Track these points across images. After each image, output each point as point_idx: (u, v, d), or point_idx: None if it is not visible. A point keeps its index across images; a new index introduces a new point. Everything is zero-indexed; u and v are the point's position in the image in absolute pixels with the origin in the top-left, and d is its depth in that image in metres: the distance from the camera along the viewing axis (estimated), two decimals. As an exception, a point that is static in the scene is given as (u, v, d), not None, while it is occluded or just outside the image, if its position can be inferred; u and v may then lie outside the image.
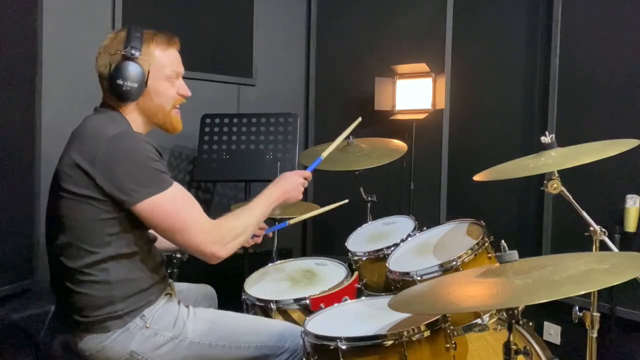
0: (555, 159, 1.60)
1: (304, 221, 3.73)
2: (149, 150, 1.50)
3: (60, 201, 1.52)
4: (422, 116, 3.14)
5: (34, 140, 2.63)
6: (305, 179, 1.87)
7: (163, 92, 1.63)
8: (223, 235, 1.57)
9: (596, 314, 1.60)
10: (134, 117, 1.63)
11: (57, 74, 2.77)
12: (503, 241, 1.34)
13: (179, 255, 2.63)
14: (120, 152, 1.48)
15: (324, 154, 2.08)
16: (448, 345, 1.52)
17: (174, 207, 1.51)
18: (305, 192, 3.89)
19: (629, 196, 2.38)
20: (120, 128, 1.54)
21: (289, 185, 1.82)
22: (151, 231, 1.63)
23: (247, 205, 1.72)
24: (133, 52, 1.56)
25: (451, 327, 1.56)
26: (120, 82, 1.55)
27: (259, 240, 2.00)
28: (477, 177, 1.73)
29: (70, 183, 1.50)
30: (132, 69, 1.55)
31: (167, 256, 1.88)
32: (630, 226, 2.37)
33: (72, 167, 1.50)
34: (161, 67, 1.62)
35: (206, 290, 2.05)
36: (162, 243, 1.72)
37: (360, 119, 2.19)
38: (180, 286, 1.88)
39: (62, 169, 1.52)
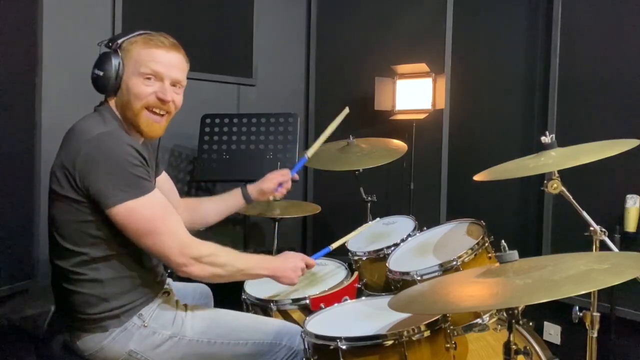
0: (555, 159, 1.60)
1: (304, 221, 3.75)
2: (129, 154, 1.48)
3: (50, 202, 1.55)
4: (422, 116, 3.14)
5: (34, 140, 2.63)
6: (307, 265, 1.82)
7: (133, 88, 1.56)
8: (202, 254, 1.55)
9: (596, 314, 1.60)
10: (117, 112, 1.62)
11: (57, 74, 2.76)
12: (503, 241, 1.34)
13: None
14: (100, 154, 1.46)
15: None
16: (448, 345, 1.52)
17: (150, 213, 1.49)
18: (305, 192, 3.92)
19: (629, 196, 2.38)
20: (105, 128, 1.52)
21: (289, 266, 1.76)
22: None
23: (239, 252, 1.70)
24: (110, 43, 1.57)
25: (451, 327, 1.56)
26: (96, 71, 1.57)
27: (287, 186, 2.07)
28: (477, 177, 1.73)
29: (56, 184, 1.51)
30: (105, 59, 1.56)
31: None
32: (630, 226, 2.37)
33: (58, 167, 1.51)
34: (135, 62, 1.56)
35: (202, 289, 2.05)
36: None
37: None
38: (176, 285, 1.88)
39: (52, 170, 1.54)
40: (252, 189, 2.03)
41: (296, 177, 2.11)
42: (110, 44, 1.57)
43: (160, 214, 1.51)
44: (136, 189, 1.47)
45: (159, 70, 1.58)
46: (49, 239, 1.60)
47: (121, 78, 1.57)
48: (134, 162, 1.48)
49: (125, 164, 1.47)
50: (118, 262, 1.55)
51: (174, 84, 1.61)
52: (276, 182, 2.04)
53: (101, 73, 1.56)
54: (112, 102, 1.61)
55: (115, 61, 1.56)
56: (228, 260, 1.61)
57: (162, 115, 1.62)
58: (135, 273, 1.58)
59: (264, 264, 1.73)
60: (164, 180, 1.93)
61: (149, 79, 1.58)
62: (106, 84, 1.56)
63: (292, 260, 1.77)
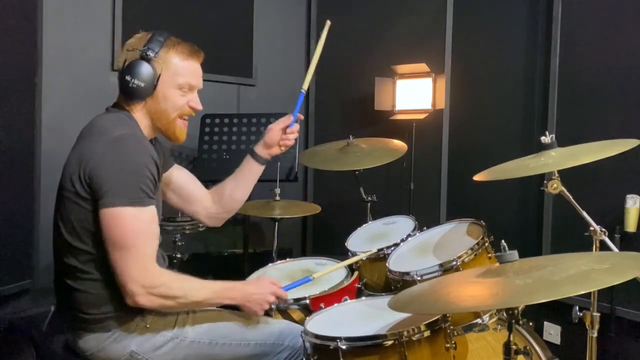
0: (555, 159, 1.60)
1: (304, 221, 3.75)
2: (144, 164, 1.48)
3: (62, 200, 1.54)
4: (422, 116, 3.14)
5: (34, 140, 2.63)
6: (277, 297, 1.70)
7: (171, 99, 1.61)
8: (155, 284, 1.49)
9: (596, 314, 1.60)
10: (141, 117, 1.62)
11: (57, 74, 2.77)
12: (503, 241, 1.34)
13: (179, 255, 2.65)
14: (116, 155, 1.47)
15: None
16: (448, 345, 1.52)
17: (129, 226, 1.46)
18: (305, 192, 3.92)
19: (629, 196, 2.38)
20: (126, 130, 1.54)
21: (256, 295, 1.66)
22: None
23: (203, 281, 1.62)
24: (149, 52, 1.56)
25: (451, 327, 1.56)
26: (128, 78, 1.55)
27: (293, 137, 1.91)
28: (477, 177, 1.73)
29: (68, 181, 1.51)
30: (143, 68, 1.56)
31: (167, 255, 1.87)
32: (630, 226, 2.36)
33: (72, 165, 1.51)
34: (175, 74, 1.60)
35: None
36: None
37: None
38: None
39: (66, 168, 1.53)
40: (258, 148, 1.89)
41: (301, 117, 1.93)
42: (147, 53, 1.56)
43: (141, 231, 1.48)
44: (133, 199, 1.46)
45: (194, 83, 1.66)
46: (54, 237, 1.60)
47: (156, 87, 1.59)
48: (145, 174, 1.48)
49: (136, 171, 1.47)
50: None
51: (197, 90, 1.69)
52: (278, 129, 1.88)
53: (142, 84, 1.56)
54: (136, 107, 1.61)
55: (155, 73, 1.57)
56: (182, 294, 1.53)
57: (187, 120, 1.69)
58: None
59: (227, 294, 1.63)
60: (180, 174, 1.91)
61: (184, 90, 1.63)
62: (142, 94, 1.58)
63: (260, 290, 1.67)
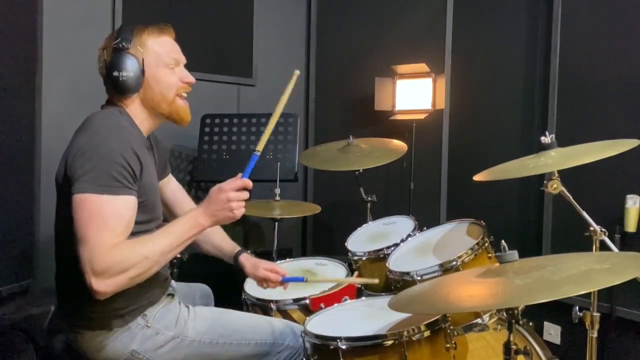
0: (555, 159, 1.60)
1: (304, 221, 3.75)
2: (119, 151, 1.45)
3: (59, 197, 1.54)
4: (422, 116, 3.14)
5: (34, 140, 2.63)
6: (237, 190, 1.53)
7: (163, 79, 1.61)
8: (109, 266, 1.38)
9: (596, 314, 1.60)
10: (137, 110, 1.62)
11: (57, 74, 2.77)
12: (503, 241, 1.34)
13: (179, 255, 2.64)
14: (92, 143, 1.46)
15: (259, 148, 1.68)
16: (448, 345, 1.52)
17: (90, 214, 1.39)
18: (305, 192, 3.92)
19: (629, 196, 2.38)
20: (110, 121, 1.53)
21: (214, 205, 1.52)
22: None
23: (158, 231, 1.51)
24: (123, 43, 1.56)
25: (451, 327, 1.56)
26: (115, 74, 1.55)
27: (273, 286, 1.87)
28: (477, 177, 1.73)
29: (61, 179, 1.51)
30: (125, 59, 1.55)
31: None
32: (630, 226, 2.36)
33: (62, 163, 1.52)
34: (156, 55, 1.60)
35: (202, 289, 2.05)
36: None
37: (297, 72, 1.83)
38: (177, 286, 1.88)
39: (59, 167, 1.54)
40: (247, 261, 1.88)
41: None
42: (122, 45, 1.56)
43: (100, 220, 1.40)
44: (101, 186, 1.41)
45: (177, 56, 1.65)
46: (56, 234, 1.59)
47: (144, 72, 1.58)
48: (118, 161, 1.44)
49: (107, 158, 1.44)
50: None
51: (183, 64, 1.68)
52: (263, 276, 1.85)
53: (130, 74, 1.55)
54: (132, 101, 1.61)
55: (138, 59, 1.57)
56: (137, 254, 1.41)
57: (186, 98, 1.67)
58: None
59: (185, 227, 1.50)
60: (175, 188, 1.93)
61: (172, 67, 1.62)
62: (133, 84, 1.57)
63: (215, 200, 1.52)
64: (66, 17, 2.81)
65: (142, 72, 1.58)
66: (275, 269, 1.86)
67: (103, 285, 1.38)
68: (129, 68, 1.55)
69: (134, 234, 1.48)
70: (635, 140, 1.57)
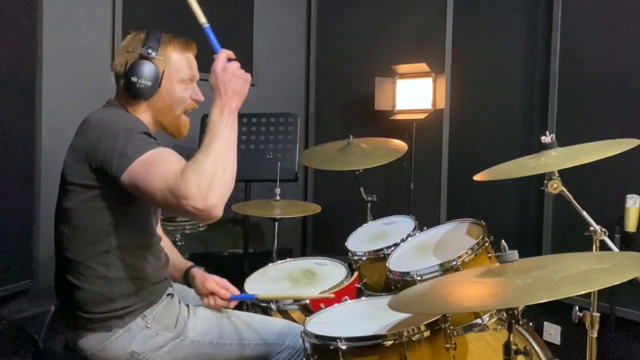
0: (555, 159, 1.60)
1: (304, 221, 3.75)
2: (130, 122, 1.50)
3: (65, 194, 1.53)
4: (422, 116, 3.14)
5: (34, 140, 2.64)
6: (230, 59, 1.55)
7: (176, 94, 1.63)
8: (196, 184, 1.32)
9: (596, 314, 1.60)
10: (141, 115, 1.62)
11: (57, 74, 2.77)
12: (503, 241, 1.34)
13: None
14: (104, 129, 1.47)
15: (203, 21, 1.66)
16: (448, 345, 1.52)
17: (148, 169, 1.38)
18: (305, 192, 3.92)
19: (629, 196, 2.38)
20: (118, 112, 1.56)
21: (228, 84, 1.52)
22: (158, 229, 1.62)
23: (206, 139, 1.45)
24: (150, 51, 1.58)
25: (451, 327, 1.56)
26: (134, 79, 1.56)
27: (220, 303, 1.78)
28: (477, 177, 1.73)
29: (71, 174, 1.51)
30: (147, 68, 1.57)
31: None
32: (630, 226, 2.36)
33: (70, 154, 1.52)
34: (176, 69, 1.63)
35: None
36: None
37: None
38: (177, 286, 1.88)
39: (65, 164, 1.54)
40: (196, 276, 1.83)
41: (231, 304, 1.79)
42: (147, 52, 1.57)
43: (156, 165, 1.39)
44: (137, 149, 1.41)
45: (194, 74, 1.68)
46: (57, 233, 1.59)
47: (160, 84, 1.60)
48: (136, 127, 1.47)
49: (125, 130, 1.44)
50: (129, 258, 1.55)
51: None
52: (211, 288, 1.78)
53: (148, 83, 1.56)
54: (139, 107, 1.62)
55: (158, 70, 1.59)
56: (211, 161, 1.38)
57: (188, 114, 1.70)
58: (143, 275, 1.58)
59: (222, 116, 1.51)
60: None
61: (186, 83, 1.65)
62: (147, 93, 1.58)
63: (223, 77, 1.53)
64: (66, 17, 2.81)
65: (159, 83, 1.59)
66: (226, 286, 1.79)
67: (201, 202, 1.32)
68: (148, 77, 1.57)
69: (127, 248, 1.52)
70: (635, 140, 1.57)
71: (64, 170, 1.54)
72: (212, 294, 1.77)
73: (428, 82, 3.14)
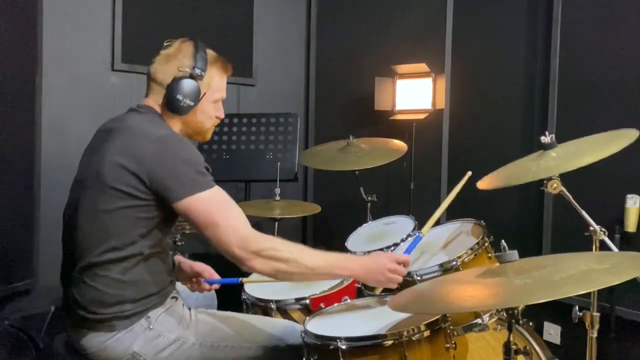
0: (557, 162, 1.60)
1: (304, 221, 3.75)
2: (194, 153, 1.57)
3: (101, 194, 1.53)
4: (422, 116, 3.14)
5: (34, 140, 2.64)
6: (400, 264, 1.67)
7: (207, 112, 1.71)
8: (262, 248, 1.52)
9: (596, 314, 1.60)
10: (171, 123, 1.67)
11: (57, 74, 2.77)
12: (503, 241, 1.34)
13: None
14: (168, 152, 1.52)
15: (424, 231, 1.85)
16: (448, 345, 1.52)
17: (209, 206, 1.52)
18: (305, 192, 3.91)
19: (629, 196, 2.38)
20: (164, 130, 1.60)
21: (373, 265, 1.66)
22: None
23: (315, 249, 1.63)
24: (200, 72, 1.63)
25: (451, 327, 1.56)
26: (179, 97, 1.61)
27: (203, 286, 1.92)
28: (480, 185, 1.73)
29: (112, 178, 1.51)
30: (193, 89, 1.62)
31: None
32: (630, 226, 2.36)
33: (115, 165, 1.52)
34: (213, 91, 1.69)
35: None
36: None
37: (469, 173, 1.98)
38: (180, 287, 1.88)
39: (102, 165, 1.53)
40: (182, 259, 1.96)
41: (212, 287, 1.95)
42: (197, 74, 1.62)
43: (218, 205, 1.54)
44: (200, 184, 1.52)
45: (224, 95, 1.76)
46: (70, 231, 1.60)
47: (198, 104, 1.66)
48: (198, 160, 1.56)
49: (190, 162, 1.54)
50: (145, 264, 1.57)
51: None
52: (199, 269, 1.92)
53: (190, 103, 1.62)
54: (171, 116, 1.65)
55: (201, 92, 1.64)
56: (292, 257, 1.55)
57: None
58: (155, 278, 1.59)
59: (343, 264, 1.65)
60: None
61: (217, 102, 1.74)
62: (185, 110, 1.64)
63: (378, 262, 1.66)
64: (66, 17, 2.81)
65: (197, 103, 1.64)
66: (209, 270, 1.93)
67: (256, 262, 1.51)
68: (192, 97, 1.63)
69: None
70: (634, 130, 1.57)
71: (99, 169, 1.53)
72: (198, 275, 1.89)
73: (428, 82, 3.14)
